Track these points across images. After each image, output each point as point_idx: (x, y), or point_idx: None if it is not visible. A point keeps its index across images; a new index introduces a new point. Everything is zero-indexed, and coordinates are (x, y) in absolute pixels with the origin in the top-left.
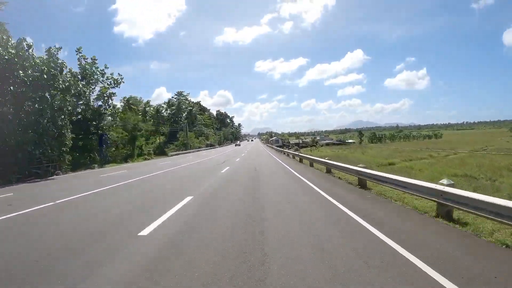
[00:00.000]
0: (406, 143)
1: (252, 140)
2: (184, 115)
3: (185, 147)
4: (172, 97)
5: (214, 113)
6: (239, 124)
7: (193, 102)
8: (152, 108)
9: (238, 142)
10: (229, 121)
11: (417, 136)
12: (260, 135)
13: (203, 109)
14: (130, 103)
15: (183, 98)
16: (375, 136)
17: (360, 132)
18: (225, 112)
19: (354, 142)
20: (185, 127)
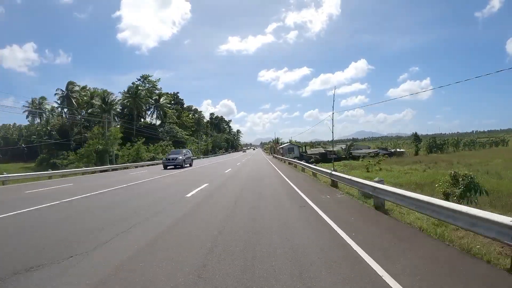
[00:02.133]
0: (483, 152)
1: (254, 149)
2: (144, 108)
3: (101, 161)
4: (134, 83)
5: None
6: (238, 131)
7: (169, 94)
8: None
9: (232, 150)
10: (225, 126)
11: (482, 143)
12: (262, 144)
13: (179, 103)
14: None
15: (149, 85)
16: (434, 143)
17: (416, 137)
18: (221, 116)
19: (404, 152)
20: (106, 121)
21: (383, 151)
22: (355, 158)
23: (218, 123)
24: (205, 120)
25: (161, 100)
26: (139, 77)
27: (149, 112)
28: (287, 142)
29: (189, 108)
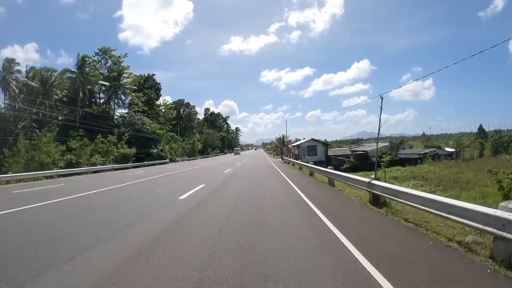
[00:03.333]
0: None
1: (255, 149)
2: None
3: None
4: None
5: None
6: (237, 129)
7: (142, 75)
8: None
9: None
10: (223, 123)
11: None
12: (264, 144)
13: (154, 88)
14: None
15: (111, 61)
16: (500, 140)
17: (482, 131)
18: (218, 112)
19: (454, 152)
20: None
21: (441, 151)
22: (403, 161)
23: (214, 120)
24: (199, 117)
25: (123, 79)
26: (98, 50)
27: (116, 101)
28: (302, 140)
29: (181, 103)
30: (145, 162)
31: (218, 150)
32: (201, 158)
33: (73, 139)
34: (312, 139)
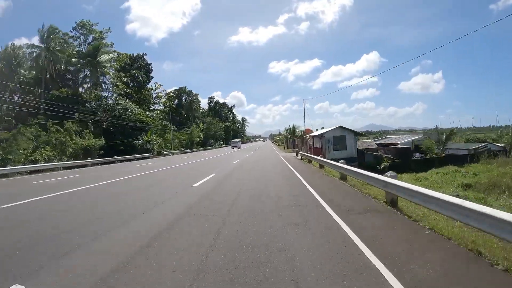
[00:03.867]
0: None
1: (263, 141)
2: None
3: None
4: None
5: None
6: (243, 119)
7: (128, 54)
8: None
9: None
10: (228, 113)
11: None
12: (272, 136)
13: (144, 69)
14: None
15: (92, 37)
16: None
17: None
18: (224, 102)
19: (504, 148)
20: None
21: (493, 146)
22: (451, 157)
23: (219, 110)
24: (203, 107)
25: (101, 56)
26: (75, 25)
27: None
28: (319, 129)
29: (182, 91)
30: (115, 158)
31: (222, 141)
32: (200, 150)
33: (31, 126)
34: (340, 127)
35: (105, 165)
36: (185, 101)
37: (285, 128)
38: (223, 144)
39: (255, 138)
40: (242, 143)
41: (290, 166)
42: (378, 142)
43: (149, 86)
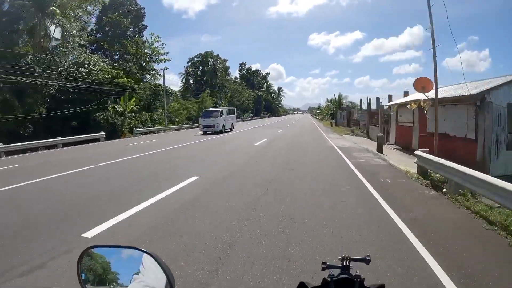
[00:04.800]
0: None
1: (302, 114)
2: None
3: None
4: None
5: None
6: (280, 89)
7: None
8: None
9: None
10: (262, 81)
11: None
12: (311, 109)
13: (132, 13)
14: None
15: None
16: None
17: None
18: (256, 69)
19: None
20: None
21: None
22: None
23: (250, 78)
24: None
25: None
26: None
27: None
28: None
29: (208, 55)
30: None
31: (251, 112)
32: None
33: None
34: None
35: None
36: (209, 66)
37: (328, 99)
38: (253, 116)
39: (293, 111)
40: (277, 115)
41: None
42: None
43: (144, 40)
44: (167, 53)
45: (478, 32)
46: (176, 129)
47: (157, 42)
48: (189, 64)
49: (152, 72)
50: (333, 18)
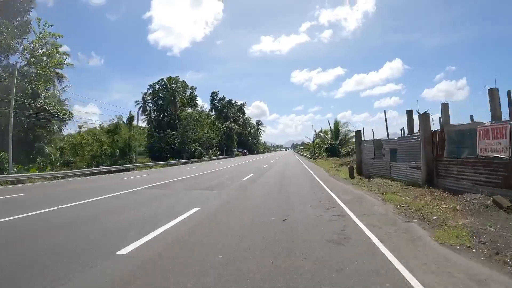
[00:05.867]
0: None
1: (286, 150)
2: None
3: None
4: None
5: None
6: (259, 122)
7: None
8: None
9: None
10: (237, 113)
11: None
12: (294, 146)
13: None
14: None
15: None
16: None
17: None
18: (231, 99)
19: None
20: None
21: None
22: None
23: (222, 109)
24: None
25: None
26: None
27: None
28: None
29: (169, 80)
30: None
31: (216, 149)
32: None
33: None
34: None
35: None
36: (166, 92)
37: (315, 132)
38: (219, 156)
39: (276, 147)
40: (256, 153)
41: None
42: None
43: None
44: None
45: (455, 61)
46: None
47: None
48: (149, 91)
49: None
50: (315, 55)
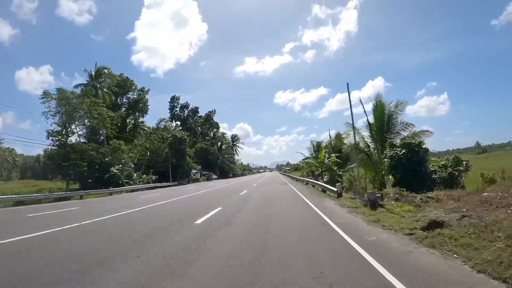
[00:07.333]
0: None
1: (270, 171)
2: None
3: None
4: None
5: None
6: (234, 137)
7: None
8: None
9: None
10: (206, 126)
11: None
12: (279, 167)
13: None
14: None
15: None
16: None
17: None
18: (196, 107)
19: None
20: None
21: None
22: None
23: (186, 119)
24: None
25: None
26: None
27: None
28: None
29: (124, 83)
30: None
31: (152, 174)
32: None
33: None
34: None
35: None
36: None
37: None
38: (156, 182)
39: (259, 169)
40: (231, 176)
41: None
42: None
43: None
44: None
45: (436, 77)
46: None
47: None
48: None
49: None
50: (298, 75)
